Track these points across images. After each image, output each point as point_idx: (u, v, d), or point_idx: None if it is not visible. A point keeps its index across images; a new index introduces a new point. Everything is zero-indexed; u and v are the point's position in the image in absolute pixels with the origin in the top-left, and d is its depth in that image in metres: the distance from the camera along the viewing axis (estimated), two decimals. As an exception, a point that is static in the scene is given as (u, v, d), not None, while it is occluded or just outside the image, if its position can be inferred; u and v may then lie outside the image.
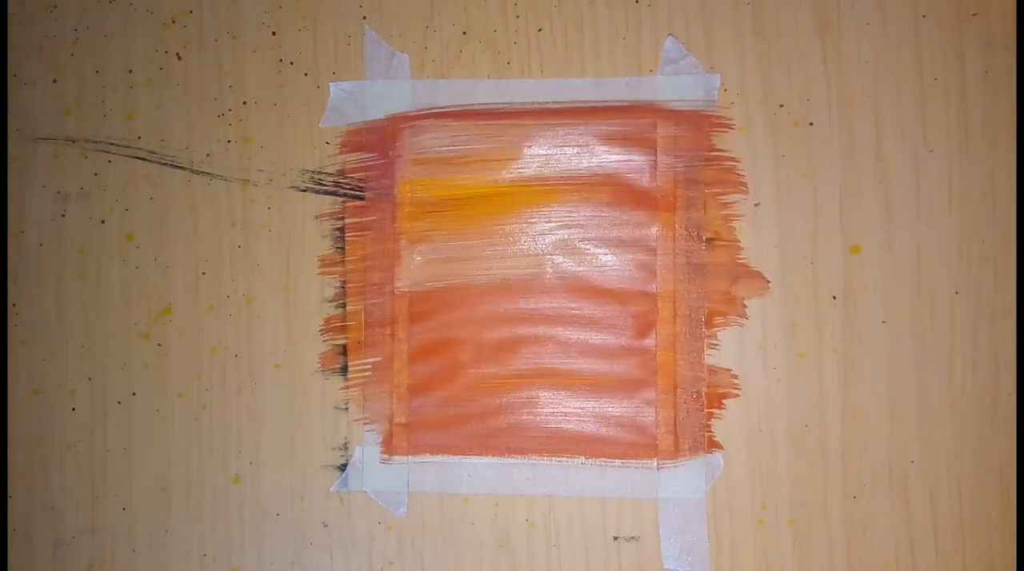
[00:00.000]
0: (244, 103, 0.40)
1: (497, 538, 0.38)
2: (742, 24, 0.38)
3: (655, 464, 0.38)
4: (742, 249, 0.38)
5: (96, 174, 0.40)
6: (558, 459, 0.38)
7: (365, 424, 0.39)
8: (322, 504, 0.39)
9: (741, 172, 0.38)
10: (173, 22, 0.40)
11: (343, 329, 0.39)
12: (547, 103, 0.38)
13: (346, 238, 0.39)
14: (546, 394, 0.38)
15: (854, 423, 0.37)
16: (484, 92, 0.39)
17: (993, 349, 0.37)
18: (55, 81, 0.41)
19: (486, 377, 0.39)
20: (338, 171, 0.39)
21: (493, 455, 0.38)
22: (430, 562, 0.38)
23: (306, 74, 0.40)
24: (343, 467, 0.39)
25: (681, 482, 0.38)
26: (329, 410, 0.39)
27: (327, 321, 0.39)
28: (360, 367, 0.39)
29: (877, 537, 0.37)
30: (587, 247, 0.38)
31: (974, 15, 0.37)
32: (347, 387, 0.39)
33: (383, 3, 0.39)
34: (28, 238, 0.40)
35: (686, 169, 0.38)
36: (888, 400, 0.37)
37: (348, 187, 0.39)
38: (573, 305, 0.38)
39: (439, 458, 0.39)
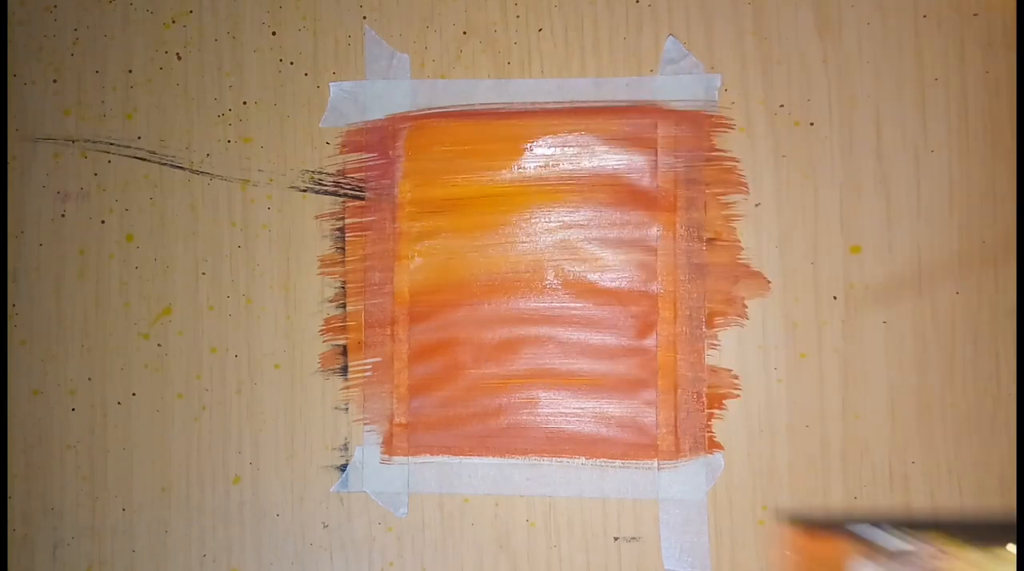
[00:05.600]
0: (244, 103, 0.40)
1: (497, 538, 0.38)
2: (742, 24, 0.38)
3: (656, 464, 0.38)
4: (742, 249, 0.38)
5: (96, 174, 0.40)
6: (558, 459, 0.38)
7: (365, 424, 0.39)
8: (322, 504, 0.39)
9: (741, 172, 0.38)
10: (173, 22, 0.40)
11: (343, 329, 0.39)
12: (547, 103, 0.38)
13: (346, 238, 0.39)
14: (546, 394, 0.38)
15: (855, 423, 0.37)
16: (484, 92, 0.39)
17: (994, 349, 0.37)
18: (55, 81, 0.41)
19: (486, 377, 0.39)
20: (338, 171, 0.39)
21: (493, 455, 0.38)
22: (430, 562, 0.38)
23: (306, 74, 0.40)
24: (343, 467, 0.39)
25: (682, 482, 0.38)
26: (329, 410, 0.39)
27: (327, 321, 0.39)
28: (360, 367, 0.39)
29: (878, 537, 0.37)
30: (587, 247, 0.38)
31: (974, 15, 0.37)
32: (347, 387, 0.39)
33: (383, 3, 0.39)
34: (28, 238, 0.40)
35: (686, 169, 0.38)
36: (888, 400, 0.37)
37: (348, 187, 0.39)
38: (574, 305, 0.38)
39: (439, 458, 0.39)
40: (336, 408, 0.39)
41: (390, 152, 0.39)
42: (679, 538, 0.38)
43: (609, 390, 0.38)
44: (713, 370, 0.38)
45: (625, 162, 0.38)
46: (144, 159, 0.40)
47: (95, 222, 0.40)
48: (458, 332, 0.39)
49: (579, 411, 0.38)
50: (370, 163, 0.39)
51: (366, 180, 0.39)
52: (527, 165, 0.38)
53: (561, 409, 0.38)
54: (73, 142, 0.40)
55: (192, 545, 0.39)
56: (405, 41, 0.39)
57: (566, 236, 0.38)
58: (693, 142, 0.38)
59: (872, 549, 0.32)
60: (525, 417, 0.38)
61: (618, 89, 0.38)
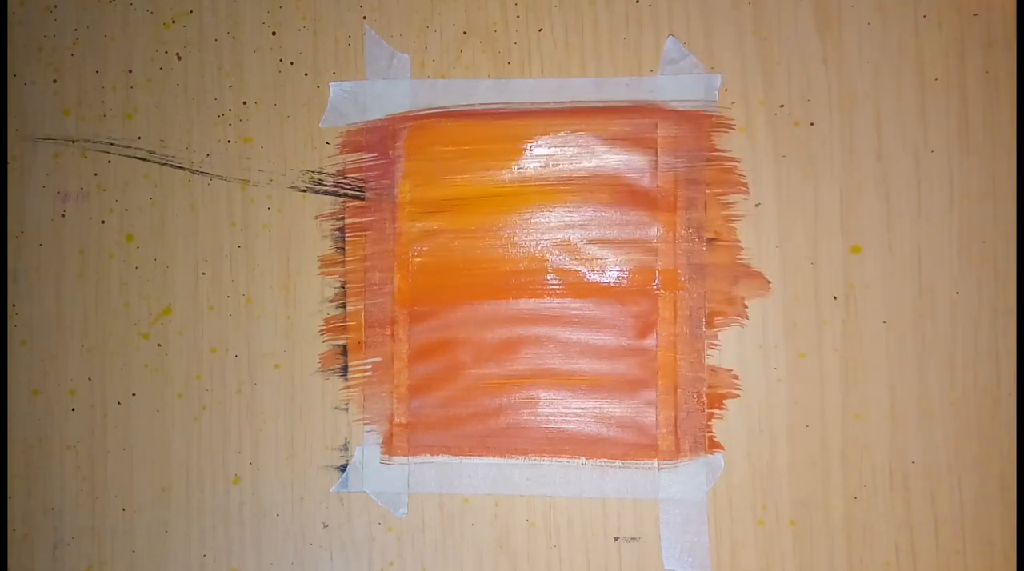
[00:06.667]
0: (244, 103, 0.40)
1: (497, 538, 0.38)
2: (743, 24, 0.38)
3: (656, 464, 0.38)
4: (743, 249, 0.38)
5: (96, 174, 0.40)
6: (558, 460, 0.38)
7: (365, 424, 0.39)
8: (322, 504, 0.39)
9: (741, 172, 0.38)
10: (173, 22, 0.40)
11: (343, 329, 0.39)
12: (547, 103, 0.38)
13: (346, 238, 0.39)
14: (546, 395, 0.38)
15: (855, 423, 0.37)
16: (484, 92, 0.39)
17: (994, 349, 0.37)
18: (55, 81, 0.41)
19: (486, 377, 0.39)
20: (338, 171, 0.39)
21: (493, 456, 0.38)
22: (430, 562, 0.38)
23: (306, 74, 0.40)
24: (343, 468, 0.39)
25: (682, 483, 0.38)
26: (329, 410, 0.39)
27: (327, 321, 0.39)
28: (360, 367, 0.39)
29: (878, 537, 0.37)
30: (587, 247, 0.38)
31: (974, 15, 0.37)
32: (347, 387, 0.39)
33: (383, 3, 0.39)
34: (28, 238, 0.40)
35: (687, 169, 0.38)
36: (889, 400, 0.37)
37: (348, 187, 0.39)
38: (573, 305, 0.38)
39: (439, 458, 0.39)
40: (336, 408, 0.39)
41: (390, 152, 0.39)
42: (679, 538, 0.38)
43: (609, 390, 0.38)
44: (713, 370, 0.38)
45: (625, 162, 0.38)
46: (144, 159, 0.40)
47: (95, 222, 0.40)
48: (458, 332, 0.39)
49: (579, 411, 0.38)
50: (370, 163, 0.39)
51: (366, 180, 0.39)
52: (527, 165, 0.38)
53: (561, 409, 0.38)
54: (73, 142, 0.40)
55: (192, 545, 0.39)
56: (405, 41, 0.39)
57: (566, 236, 0.38)
58: (693, 142, 0.38)
59: None
60: (525, 417, 0.38)
61: (618, 89, 0.38)
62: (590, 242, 0.38)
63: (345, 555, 0.39)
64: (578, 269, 0.38)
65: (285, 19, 0.40)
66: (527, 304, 0.38)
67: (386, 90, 0.39)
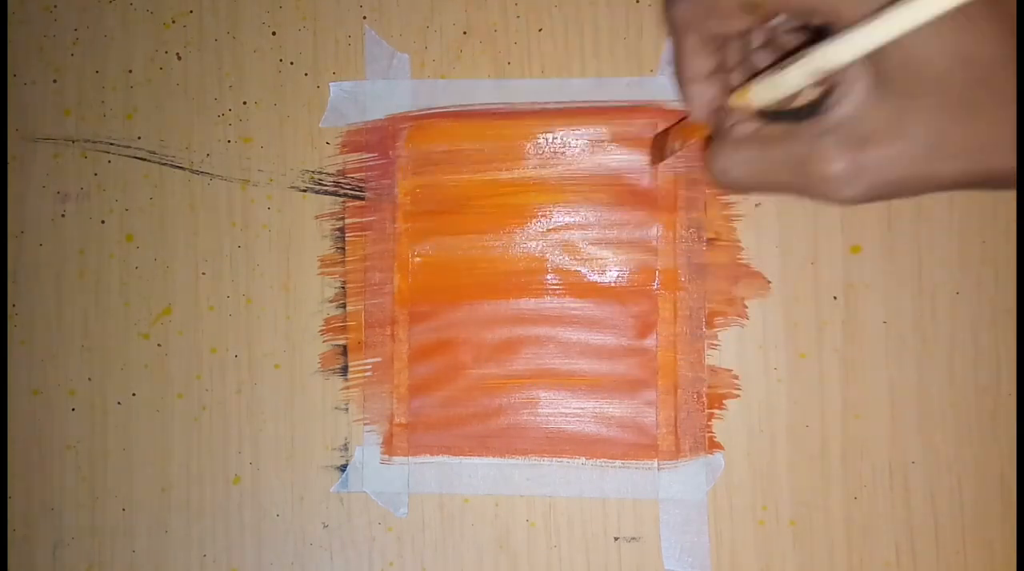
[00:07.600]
0: (244, 103, 0.40)
1: (497, 538, 0.38)
2: (742, 24, 0.38)
3: (656, 465, 0.38)
4: (742, 249, 0.38)
5: (96, 174, 0.40)
6: (558, 460, 0.38)
7: (365, 424, 0.39)
8: (322, 504, 0.39)
9: (741, 172, 0.38)
10: (173, 22, 0.40)
11: (343, 329, 0.39)
12: (547, 103, 0.38)
13: (346, 238, 0.39)
14: (546, 395, 0.38)
15: (855, 423, 0.37)
16: (484, 92, 0.39)
17: (994, 349, 0.37)
18: (55, 81, 0.41)
19: (486, 377, 0.39)
20: (338, 171, 0.39)
21: (493, 456, 0.38)
22: (430, 562, 0.38)
23: (306, 74, 0.40)
24: (343, 468, 0.39)
25: (682, 483, 0.38)
26: (329, 410, 0.39)
27: (327, 321, 0.39)
28: (360, 367, 0.39)
29: (878, 537, 0.37)
30: (588, 247, 0.38)
31: (975, 15, 0.37)
32: (347, 387, 0.39)
33: (383, 3, 0.39)
34: (28, 238, 0.40)
35: (687, 169, 0.38)
36: (889, 400, 0.37)
37: (348, 187, 0.39)
38: (573, 305, 0.38)
39: (439, 459, 0.39)
40: (336, 408, 0.39)
41: (390, 152, 0.39)
42: (679, 538, 0.38)
43: (609, 390, 0.38)
44: (713, 370, 0.38)
45: (625, 162, 0.38)
46: (144, 159, 0.40)
47: (95, 222, 0.40)
48: (458, 332, 0.39)
49: (579, 411, 0.38)
50: (370, 163, 0.39)
51: (366, 180, 0.39)
52: (527, 165, 0.38)
53: (561, 409, 0.38)
54: (73, 142, 0.40)
55: (192, 545, 0.39)
56: (405, 41, 0.39)
57: (566, 236, 0.38)
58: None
59: None
60: (525, 417, 0.38)
61: (618, 89, 0.38)
62: (590, 242, 0.38)
63: (345, 555, 0.39)
64: (578, 269, 0.38)
65: (285, 19, 0.40)
66: (527, 304, 0.38)
67: (386, 90, 0.39)
